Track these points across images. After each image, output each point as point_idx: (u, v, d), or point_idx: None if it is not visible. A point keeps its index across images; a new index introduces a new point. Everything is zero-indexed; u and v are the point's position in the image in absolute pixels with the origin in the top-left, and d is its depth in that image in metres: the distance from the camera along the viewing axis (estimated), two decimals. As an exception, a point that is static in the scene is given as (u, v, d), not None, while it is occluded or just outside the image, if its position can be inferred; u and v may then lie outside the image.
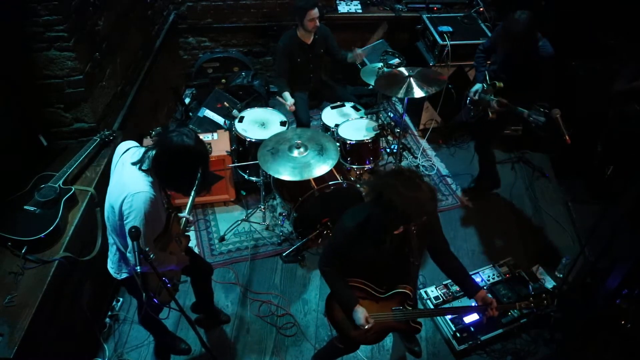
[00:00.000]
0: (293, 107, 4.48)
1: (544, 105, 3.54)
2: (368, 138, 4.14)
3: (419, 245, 2.56)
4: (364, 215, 2.48)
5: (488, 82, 3.93)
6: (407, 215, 2.23)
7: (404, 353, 3.50)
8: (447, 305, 3.65)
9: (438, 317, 3.60)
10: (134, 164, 2.41)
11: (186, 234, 2.92)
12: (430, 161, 5.09)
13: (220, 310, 3.67)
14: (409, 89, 3.88)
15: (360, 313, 2.60)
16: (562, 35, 4.27)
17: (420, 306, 3.75)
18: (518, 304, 2.72)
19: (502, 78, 3.82)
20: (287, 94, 4.51)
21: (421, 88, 3.88)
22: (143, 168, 2.39)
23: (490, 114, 3.89)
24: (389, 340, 3.53)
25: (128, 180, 2.38)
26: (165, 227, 2.66)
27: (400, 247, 2.56)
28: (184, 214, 2.86)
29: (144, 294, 2.25)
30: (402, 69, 4.04)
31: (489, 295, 2.67)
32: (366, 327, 2.61)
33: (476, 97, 4.02)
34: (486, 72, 3.99)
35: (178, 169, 2.36)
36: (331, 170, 3.68)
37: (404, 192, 2.18)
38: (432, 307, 3.65)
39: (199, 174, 2.41)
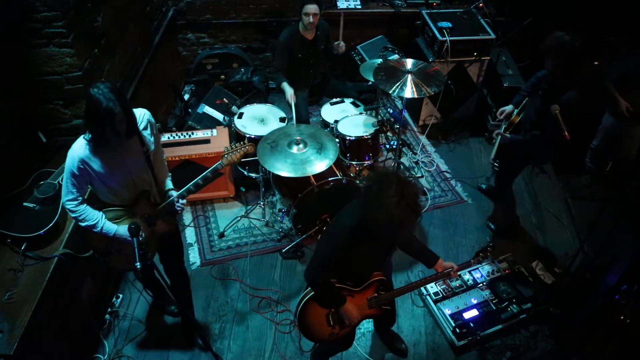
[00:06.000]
0: (294, 96, 4.37)
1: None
2: (367, 134, 4.13)
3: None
4: (358, 216, 2.37)
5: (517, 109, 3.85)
6: (409, 225, 2.26)
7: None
8: (446, 301, 3.67)
9: (438, 314, 3.60)
10: None
11: (171, 221, 2.89)
12: (430, 157, 5.09)
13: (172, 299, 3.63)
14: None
15: (351, 307, 2.68)
16: (562, 31, 4.25)
17: (419, 302, 3.76)
18: (473, 260, 2.91)
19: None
20: (285, 84, 4.42)
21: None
22: None
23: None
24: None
25: None
26: (132, 202, 2.70)
27: (390, 243, 2.59)
28: (173, 193, 2.83)
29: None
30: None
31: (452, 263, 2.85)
32: (356, 320, 2.71)
33: (502, 117, 3.91)
34: (524, 100, 3.85)
35: (85, 121, 2.43)
36: (330, 167, 3.68)
37: (406, 205, 2.15)
38: (431, 302, 3.67)
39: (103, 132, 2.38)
